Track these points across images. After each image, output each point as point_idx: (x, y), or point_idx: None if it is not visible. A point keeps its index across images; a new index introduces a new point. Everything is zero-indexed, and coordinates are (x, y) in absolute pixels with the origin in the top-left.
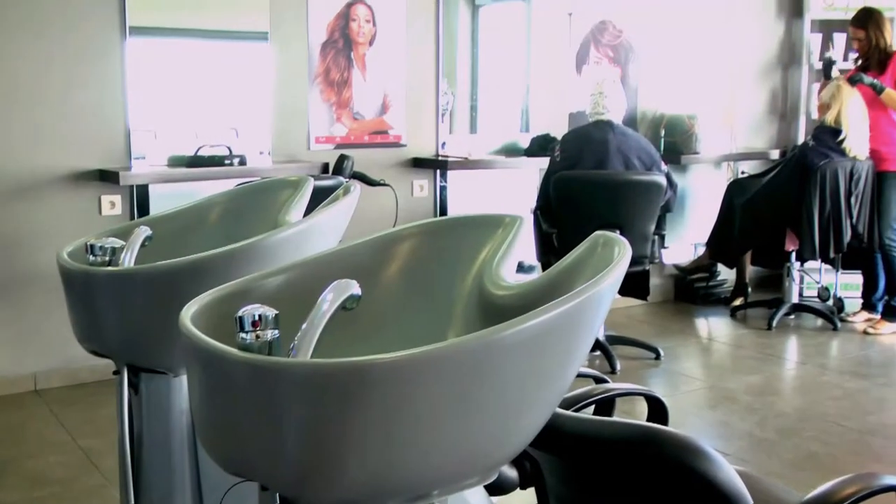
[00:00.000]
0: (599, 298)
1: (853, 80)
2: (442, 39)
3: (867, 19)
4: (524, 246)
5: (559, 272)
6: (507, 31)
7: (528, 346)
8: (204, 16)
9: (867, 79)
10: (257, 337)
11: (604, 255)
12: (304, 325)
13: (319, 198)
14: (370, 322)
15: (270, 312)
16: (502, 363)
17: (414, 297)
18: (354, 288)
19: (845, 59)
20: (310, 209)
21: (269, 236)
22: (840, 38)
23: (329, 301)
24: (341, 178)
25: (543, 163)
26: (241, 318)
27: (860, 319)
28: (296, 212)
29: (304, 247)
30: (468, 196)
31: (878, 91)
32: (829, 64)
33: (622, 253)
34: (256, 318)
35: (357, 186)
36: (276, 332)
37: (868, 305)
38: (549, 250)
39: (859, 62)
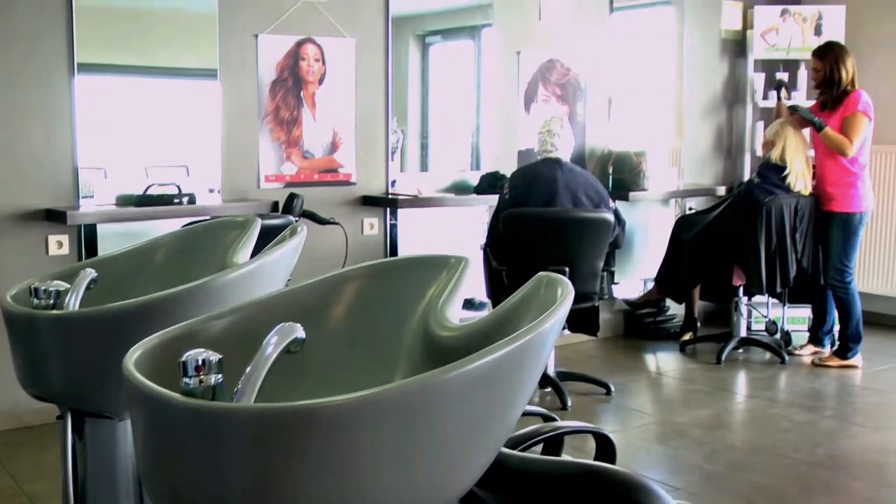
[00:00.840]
0: (542, 339)
1: (792, 108)
2: (391, 78)
3: (826, 51)
4: (475, 283)
5: (503, 312)
6: (456, 69)
7: (471, 388)
8: (153, 53)
9: (808, 113)
10: (200, 382)
11: (547, 296)
12: (248, 369)
13: (269, 236)
14: (317, 364)
15: (214, 357)
16: (445, 405)
17: (360, 339)
18: (298, 331)
19: (788, 97)
20: (259, 248)
21: (216, 278)
22: (782, 78)
23: (273, 345)
24: (291, 217)
25: (493, 200)
26: (184, 363)
27: (807, 353)
28: (243, 253)
29: (251, 288)
30: (419, 234)
31: (818, 128)
32: (779, 86)
33: (565, 293)
34: (200, 362)
35: (304, 227)
36: (220, 376)
37: (815, 339)
38: (499, 287)
39: (818, 92)
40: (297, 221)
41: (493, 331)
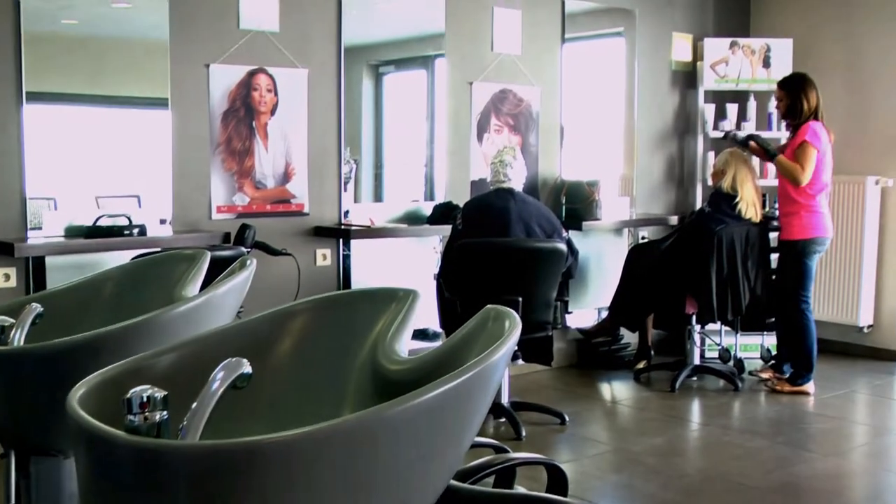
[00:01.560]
0: (489, 373)
1: (750, 136)
2: (344, 108)
3: (789, 82)
4: (429, 313)
5: (451, 346)
6: (410, 99)
7: (418, 423)
8: (103, 82)
9: (761, 141)
10: (145, 419)
11: (495, 329)
12: (193, 406)
13: (221, 268)
14: (265, 399)
15: (159, 393)
16: (392, 440)
17: (309, 373)
18: (245, 366)
19: (738, 127)
20: (210, 281)
21: (164, 312)
22: (732, 109)
23: (219, 380)
24: (242, 249)
25: (446, 230)
26: (128, 400)
27: (766, 376)
28: (192, 286)
29: (199, 322)
30: (372, 264)
31: (771, 156)
32: (730, 136)
33: (512, 326)
34: (144, 399)
35: (253, 260)
36: (165, 413)
37: (777, 366)
38: (453, 318)
39: (784, 121)
40: (248, 253)
41: (442, 364)
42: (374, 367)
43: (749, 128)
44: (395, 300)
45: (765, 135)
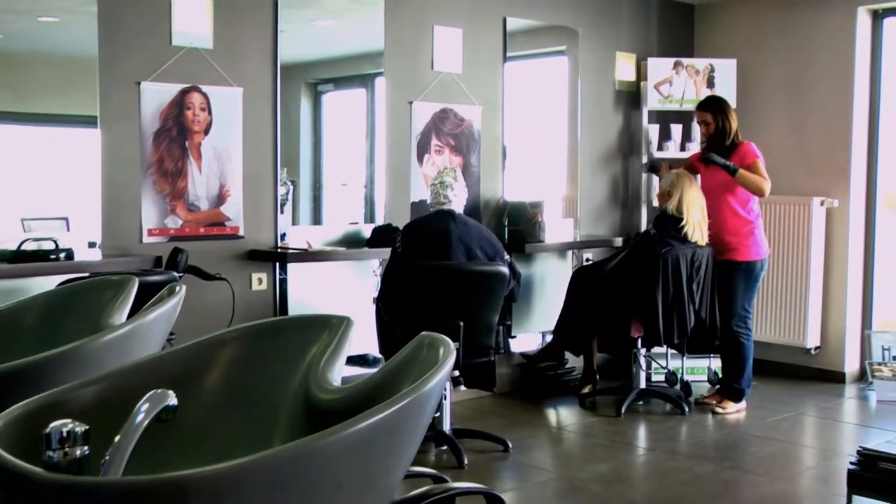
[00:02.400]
0: (422, 402)
1: (705, 159)
2: (281, 127)
3: (715, 105)
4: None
5: (385, 374)
6: (349, 118)
7: (349, 454)
8: (29, 99)
9: (719, 159)
10: (65, 454)
11: (429, 357)
12: (116, 440)
13: (152, 294)
14: (193, 432)
15: (80, 428)
16: (323, 471)
17: (239, 404)
18: (170, 398)
19: (682, 149)
20: (140, 306)
21: (88, 342)
22: (676, 129)
23: (143, 413)
24: (175, 273)
25: (385, 253)
26: (48, 435)
27: (732, 411)
28: (119, 314)
29: (125, 352)
30: (310, 288)
31: (732, 172)
32: (653, 166)
33: (447, 354)
34: (64, 434)
35: (182, 286)
36: (86, 448)
37: (724, 391)
38: (393, 343)
39: (704, 144)
40: (181, 277)
41: (375, 393)
42: (307, 397)
43: (693, 148)
44: (328, 327)
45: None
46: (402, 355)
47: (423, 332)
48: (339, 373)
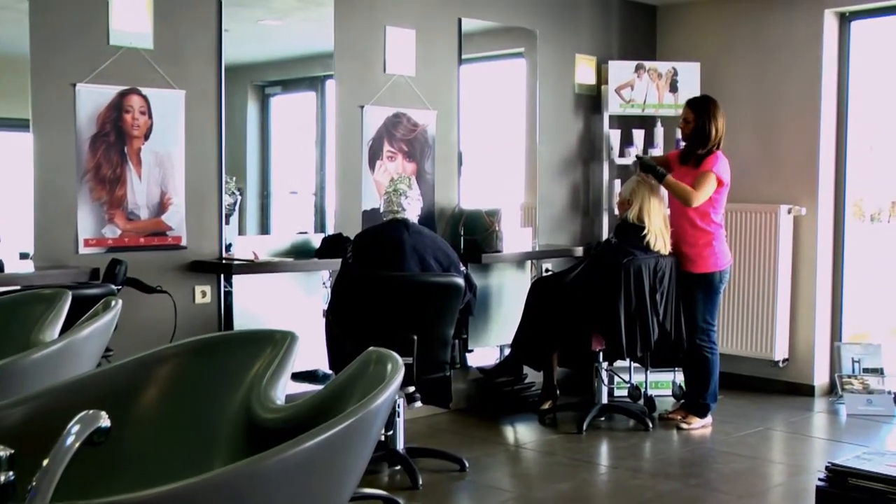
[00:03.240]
0: (368, 421)
1: (640, 160)
2: (226, 132)
3: (701, 104)
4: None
5: (331, 391)
6: (299, 123)
7: (292, 475)
8: None
9: (650, 162)
10: None
11: (376, 373)
12: (44, 464)
13: (88, 308)
14: (129, 454)
15: (4, 452)
16: (264, 494)
17: (177, 425)
18: (102, 420)
19: (644, 153)
20: (74, 321)
21: (18, 360)
22: (638, 135)
23: (73, 435)
24: (112, 286)
25: (336, 264)
26: None
27: (697, 426)
28: (50, 330)
29: (57, 370)
30: (256, 301)
31: (660, 178)
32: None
33: (395, 370)
34: None
35: (118, 300)
36: (11, 473)
37: (689, 405)
38: (343, 358)
39: (682, 145)
40: (119, 290)
41: (321, 411)
42: (249, 416)
43: (656, 154)
44: (271, 343)
45: None
46: (348, 372)
47: (371, 348)
48: (284, 390)
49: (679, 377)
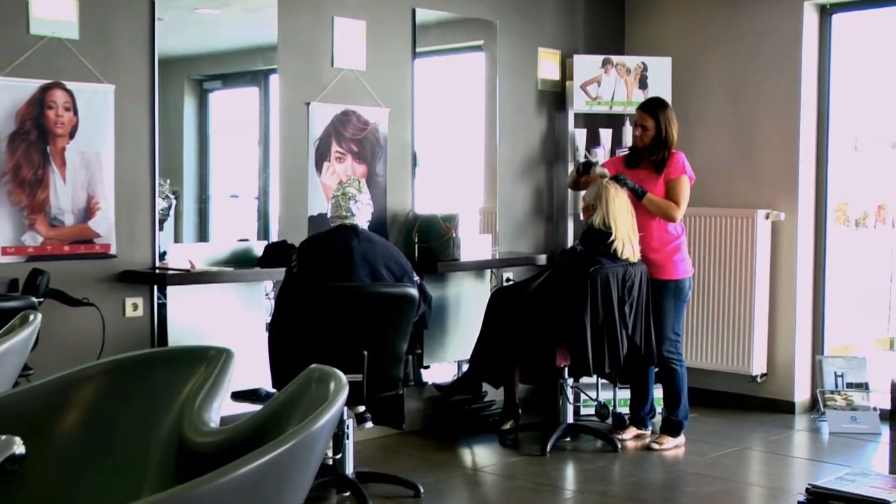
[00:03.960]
0: (309, 444)
1: (618, 180)
2: (160, 130)
3: (659, 108)
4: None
5: (269, 413)
6: (240, 120)
7: (228, 502)
8: None
9: (630, 183)
10: None
11: (318, 393)
12: None
13: (5, 322)
14: (48, 483)
15: None
16: None
17: (103, 450)
18: (16, 446)
19: (612, 156)
20: None
21: None
22: (606, 134)
23: None
24: (33, 298)
25: (279, 274)
26: None
27: (629, 436)
28: None
29: None
30: (193, 315)
31: (639, 196)
32: (585, 165)
33: (338, 389)
34: None
35: (37, 314)
36: None
37: (637, 420)
38: (288, 376)
39: (629, 151)
40: (40, 303)
41: (258, 434)
42: (180, 440)
43: (600, 154)
44: (206, 361)
45: None
46: (288, 391)
47: (313, 365)
48: (218, 412)
49: (605, 394)
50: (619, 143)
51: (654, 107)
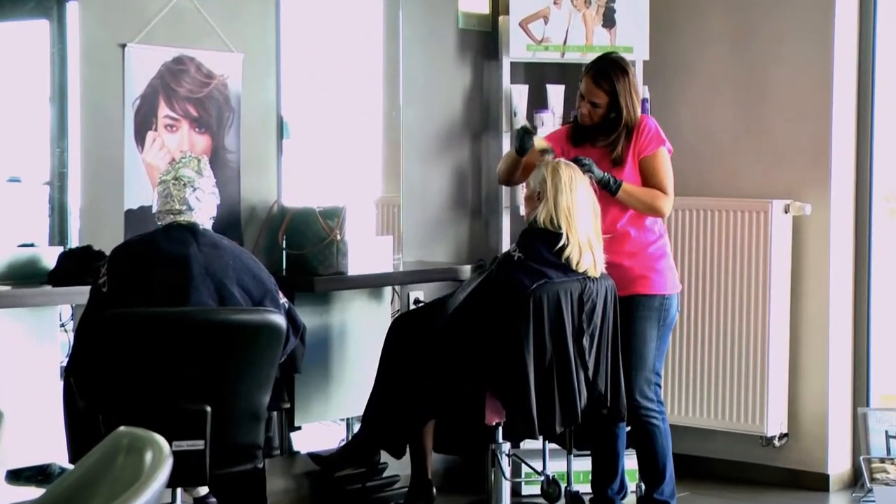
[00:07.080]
0: None
1: (581, 165)
2: None
3: (616, 74)
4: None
5: (56, 498)
6: (22, 70)
7: None
8: None
9: (598, 172)
10: None
11: (127, 468)
12: None
13: None
14: None
15: None
16: None
17: None
18: None
19: (567, 120)
20: None
21: None
22: (556, 92)
23: None
24: None
25: (81, 294)
26: None
27: None
28: None
29: None
30: None
31: (612, 190)
32: (523, 135)
33: (158, 463)
34: None
35: None
36: None
37: (603, 502)
38: (90, 442)
39: (572, 124)
40: None
41: None
42: None
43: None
44: None
45: None
46: (85, 466)
47: (121, 428)
48: None
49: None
50: (573, 104)
51: (606, 73)
